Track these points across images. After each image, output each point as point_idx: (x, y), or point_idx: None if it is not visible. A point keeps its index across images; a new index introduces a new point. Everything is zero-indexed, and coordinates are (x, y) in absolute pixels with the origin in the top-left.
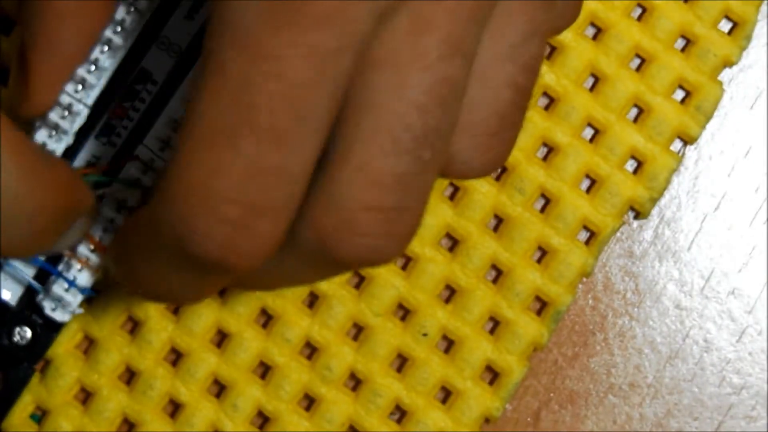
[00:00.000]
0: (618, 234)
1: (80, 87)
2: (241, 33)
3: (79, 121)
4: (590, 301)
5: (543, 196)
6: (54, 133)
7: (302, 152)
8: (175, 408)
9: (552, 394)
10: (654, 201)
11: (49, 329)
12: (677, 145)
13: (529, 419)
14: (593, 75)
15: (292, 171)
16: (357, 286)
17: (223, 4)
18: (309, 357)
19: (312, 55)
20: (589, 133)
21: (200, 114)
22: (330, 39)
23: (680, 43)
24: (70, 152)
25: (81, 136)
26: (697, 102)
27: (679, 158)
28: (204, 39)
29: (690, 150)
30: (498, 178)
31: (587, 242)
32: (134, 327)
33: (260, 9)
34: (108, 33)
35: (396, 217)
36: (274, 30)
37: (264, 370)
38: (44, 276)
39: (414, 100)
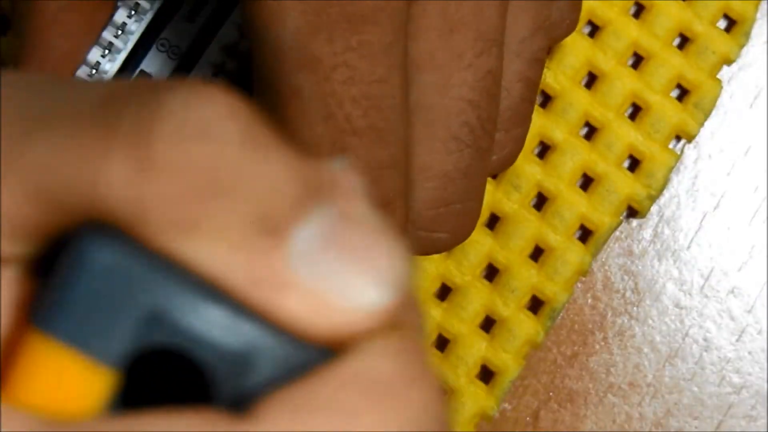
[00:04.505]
0: (617, 233)
1: None
2: (302, 53)
3: None
4: (589, 300)
5: (540, 194)
6: None
7: (399, 139)
8: None
9: (551, 394)
10: (652, 199)
11: None
12: (677, 143)
13: (528, 418)
14: (591, 72)
15: (399, 159)
16: None
17: (264, 34)
18: None
19: (372, 52)
20: (586, 131)
21: (296, 139)
22: (382, 33)
23: (679, 41)
24: None
25: None
26: (696, 99)
27: (678, 156)
28: (256, 72)
29: (689, 149)
30: (494, 176)
31: (585, 241)
32: None
33: (305, 24)
34: (109, 37)
35: (462, 210)
36: (328, 39)
37: None
38: None
39: (465, 98)
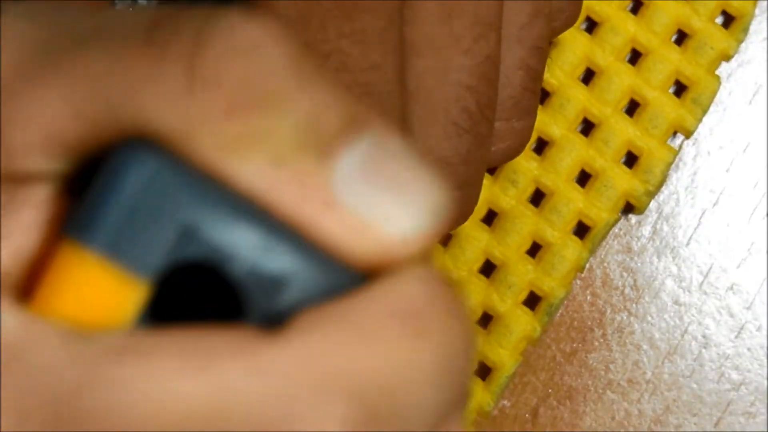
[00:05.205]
0: (616, 230)
1: None
2: (295, 41)
3: None
4: (588, 297)
5: (537, 189)
6: None
7: (394, 125)
8: None
9: (550, 391)
10: (650, 195)
11: None
12: (676, 140)
13: (527, 415)
14: (588, 69)
15: None
16: None
17: None
18: None
19: (365, 39)
20: (584, 126)
21: None
22: (374, 20)
23: (677, 37)
24: None
25: None
26: (694, 95)
27: (675, 151)
28: None
29: (688, 145)
30: (492, 171)
31: (582, 237)
32: None
33: (300, 13)
34: None
35: (462, 196)
36: (320, 27)
37: None
38: None
39: (463, 83)
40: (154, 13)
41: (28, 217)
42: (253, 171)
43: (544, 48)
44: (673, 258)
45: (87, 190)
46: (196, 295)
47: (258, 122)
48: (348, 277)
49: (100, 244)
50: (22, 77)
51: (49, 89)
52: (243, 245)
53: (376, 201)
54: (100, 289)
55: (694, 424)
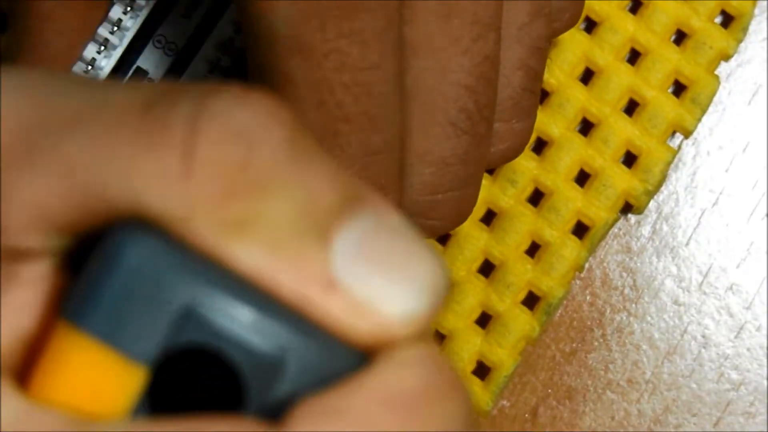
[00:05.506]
0: (615, 230)
1: None
2: (295, 40)
3: None
4: (588, 297)
5: (536, 189)
6: None
7: (392, 125)
8: None
9: (550, 390)
10: (649, 194)
11: None
12: (675, 140)
13: (526, 415)
14: (587, 68)
15: (392, 144)
16: None
17: (257, 23)
18: None
19: (364, 38)
20: (582, 126)
21: None
22: (374, 20)
23: (676, 36)
24: None
25: None
26: (693, 95)
27: (675, 151)
28: (251, 61)
29: (688, 145)
30: (491, 171)
31: (581, 236)
32: None
33: (299, 13)
34: (105, 33)
35: (461, 196)
36: (319, 27)
37: None
38: None
39: (462, 83)
40: (149, 90)
41: (28, 296)
42: (251, 254)
43: (544, 48)
44: (673, 258)
45: (82, 270)
46: (199, 378)
47: (254, 206)
48: (348, 357)
49: (95, 329)
50: (17, 155)
51: (43, 168)
52: (239, 328)
53: (375, 281)
54: (97, 374)
55: (694, 424)
